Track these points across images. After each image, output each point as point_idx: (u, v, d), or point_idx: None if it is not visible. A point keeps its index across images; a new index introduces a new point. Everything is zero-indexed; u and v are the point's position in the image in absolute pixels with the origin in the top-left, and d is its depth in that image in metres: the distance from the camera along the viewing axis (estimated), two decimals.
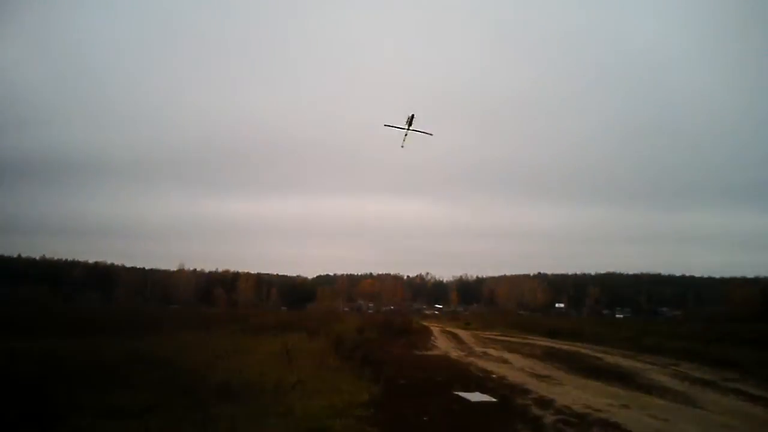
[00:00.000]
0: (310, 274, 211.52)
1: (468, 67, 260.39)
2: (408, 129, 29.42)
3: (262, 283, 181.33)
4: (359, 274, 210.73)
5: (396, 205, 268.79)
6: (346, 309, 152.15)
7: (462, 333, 58.57)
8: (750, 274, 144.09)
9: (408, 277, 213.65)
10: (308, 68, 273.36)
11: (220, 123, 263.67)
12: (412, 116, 29.24)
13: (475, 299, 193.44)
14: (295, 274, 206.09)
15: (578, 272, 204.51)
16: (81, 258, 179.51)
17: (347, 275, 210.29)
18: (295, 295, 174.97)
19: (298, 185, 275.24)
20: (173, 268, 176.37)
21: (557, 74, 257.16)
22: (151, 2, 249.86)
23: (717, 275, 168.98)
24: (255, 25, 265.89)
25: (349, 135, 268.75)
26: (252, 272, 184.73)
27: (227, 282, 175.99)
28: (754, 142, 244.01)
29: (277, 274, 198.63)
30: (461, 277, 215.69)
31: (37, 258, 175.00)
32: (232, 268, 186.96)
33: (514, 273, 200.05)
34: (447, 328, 68.39)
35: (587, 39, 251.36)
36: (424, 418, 15.13)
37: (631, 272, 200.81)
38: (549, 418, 15.23)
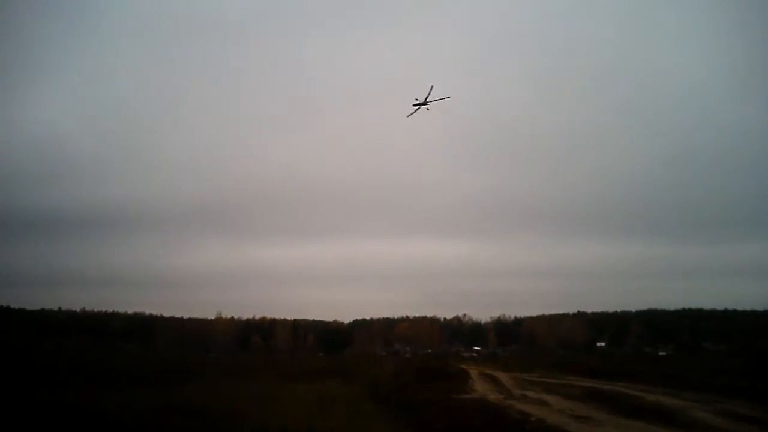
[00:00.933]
0: (347, 318, 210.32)
1: (505, 107, 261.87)
2: (427, 101, 30.57)
3: (299, 328, 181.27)
4: (396, 317, 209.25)
5: (432, 246, 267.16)
6: (383, 353, 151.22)
7: (500, 375, 57.63)
8: None
9: (445, 319, 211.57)
10: (345, 114, 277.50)
11: (256, 171, 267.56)
12: (431, 87, 30.37)
13: (513, 340, 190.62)
14: (331, 319, 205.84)
15: (619, 310, 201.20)
16: (120, 309, 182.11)
17: (384, 319, 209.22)
18: (331, 340, 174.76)
19: (333, 230, 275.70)
20: (211, 316, 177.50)
21: (594, 110, 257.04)
22: (182, 57, 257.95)
23: (761, 308, 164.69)
24: (289, 72, 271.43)
25: (386, 178, 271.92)
26: (288, 318, 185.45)
27: (264, 329, 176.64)
28: None
29: (314, 320, 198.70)
30: (499, 317, 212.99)
31: (78, 310, 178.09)
32: (269, 315, 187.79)
33: (552, 312, 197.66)
34: (485, 371, 67.34)
35: (626, 75, 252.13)
36: None
37: (673, 308, 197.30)
38: None
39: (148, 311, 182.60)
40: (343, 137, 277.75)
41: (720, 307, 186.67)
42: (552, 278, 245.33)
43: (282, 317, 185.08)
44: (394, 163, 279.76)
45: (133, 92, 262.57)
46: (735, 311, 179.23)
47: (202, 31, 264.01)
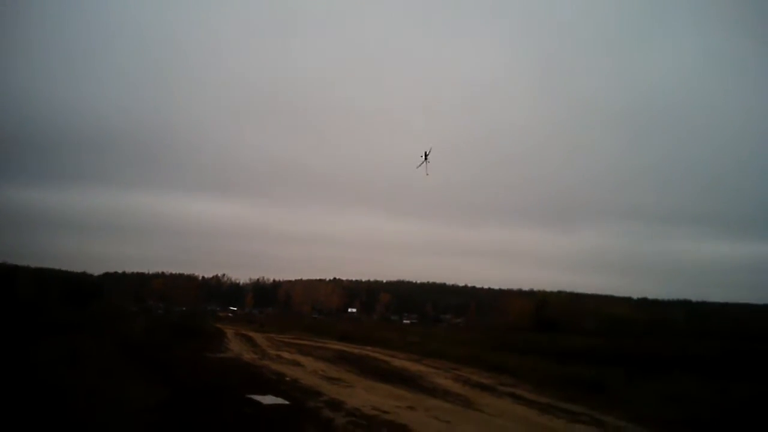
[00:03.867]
0: (97, 270, 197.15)
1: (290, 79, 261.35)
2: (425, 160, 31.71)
3: (42, 278, 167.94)
4: (150, 272, 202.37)
5: (197, 204, 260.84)
6: (135, 309, 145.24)
7: (256, 336, 58.14)
8: (526, 287, 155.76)
9: (203, 277, 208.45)
10: (136, 56, 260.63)
11: (15, 105, 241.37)
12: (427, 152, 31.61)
13: (271, 302, 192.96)
14: (79, 270, 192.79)
15: (372, 279, 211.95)
16: None
17: (137, 273, 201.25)
18: (79, 292, 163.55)
19: (86, 176, 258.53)
20: None
21: (380, 89, 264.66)
22: None
23: (497, 287, 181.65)
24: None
25: (154, 130, 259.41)
26: (31, 266, 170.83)
27: (2, 277, 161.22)
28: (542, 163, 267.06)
29: (60, 269, 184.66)
30: (258, 279, 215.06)
31: None
32: (8, 261, 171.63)
33: (310, 277, 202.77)
34: (241, 331, 67.42)
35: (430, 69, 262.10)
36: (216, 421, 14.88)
37: (419, 281, 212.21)
38: (340, 420, 15.62)
39: None
40: (127, 82, 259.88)
41: (461, 283, 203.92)
42: (312, 245, 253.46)
43: (24, 264, 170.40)
44: (174, 116, 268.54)
45: None
46: (474, 288, 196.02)
47: None
